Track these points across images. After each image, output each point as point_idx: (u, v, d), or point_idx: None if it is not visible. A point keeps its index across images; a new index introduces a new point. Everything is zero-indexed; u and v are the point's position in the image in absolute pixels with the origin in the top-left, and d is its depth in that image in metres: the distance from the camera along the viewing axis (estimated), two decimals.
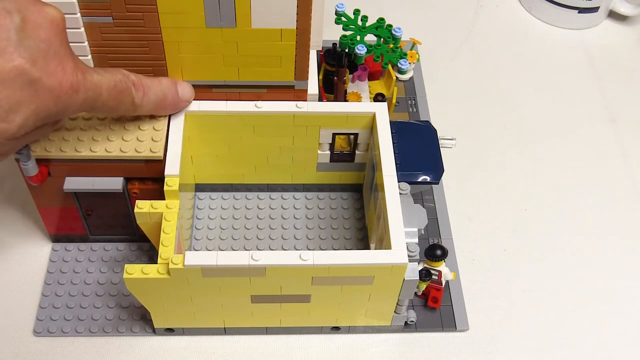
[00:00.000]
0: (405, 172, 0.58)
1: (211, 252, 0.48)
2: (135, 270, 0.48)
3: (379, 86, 0.69)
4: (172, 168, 0.53)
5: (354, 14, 0.66)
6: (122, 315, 0.57)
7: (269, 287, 0.51)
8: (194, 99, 0.56)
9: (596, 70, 0.80)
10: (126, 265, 0.48)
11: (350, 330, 0.57)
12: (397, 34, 0.65)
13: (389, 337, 0.57)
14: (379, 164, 0.55)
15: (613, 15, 0.85)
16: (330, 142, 0.60)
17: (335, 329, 0.57)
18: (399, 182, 0.54)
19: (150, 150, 0.52)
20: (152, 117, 0.54)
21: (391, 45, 0.65)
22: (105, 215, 0.58)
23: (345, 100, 0.65)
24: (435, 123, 0.66)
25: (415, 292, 0.56)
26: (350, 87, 0.66)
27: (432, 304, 0.58)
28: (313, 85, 0.58)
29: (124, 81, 0.48)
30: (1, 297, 0.58)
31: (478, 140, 0.72)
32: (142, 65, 0.54)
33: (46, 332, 0.56)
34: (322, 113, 0.57)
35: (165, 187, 0.52)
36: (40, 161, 0.52)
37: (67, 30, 0.51)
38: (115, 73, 0.48)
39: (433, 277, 0.56)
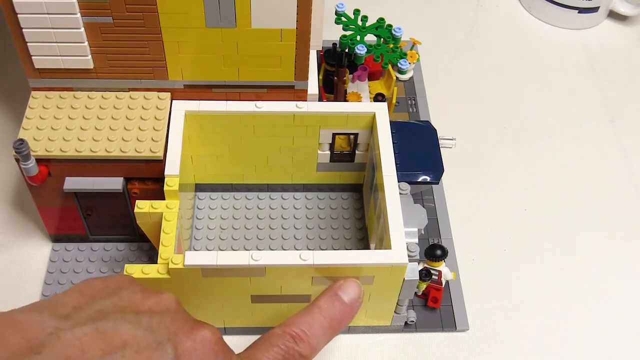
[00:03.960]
0: (405, 172, 0.58)
1: (211, 252, 0.48)
2: (135, 270, 0.48)
3: (379, 86, 0.69)
4: (172, 168, 0.53)
5: (354, 14, 0.66)
6: None
7: (269, 287, 0.51)
8: (194, 99, 0.56)
9: (596, 70, 0.80)
10: (126, 265, 0.48)
11: (350, 330, 0.57)
12: (397, 34, 0.65)
13: (389, 337, 0.57)
14: (379, 164, 0.55)
15: (613, 15, 0.85)
16: (330, 142, 0.60)
17: None
18: (399, 182, 0.54)
19: (150, 150, 0.53)
20: (152, 117, 0.54)
21: (391, 45, 0.65)
22: (105, 215, 0.58)
23: (345, 100, 0.65)
24: (435, 123, 0.66)
25: (415, 292, 0.56)
26: (350, 87, 0.66)
27: (432, 304, 0.58)
28: (313, 85, 0.58)
29: (288, 353, 0.42)
30: (1, 297, 0.58)
31: (478, 140, 0.72)
32: (142, 65, 0.54)
33: None
34: (322, 113, 0.57)
35: (165, 187, 0.52)
36: (40, 161, 0.52)
37: (67, 30, 0.51)
38: (272, 347, 0.42)
39: (433, 277, 0.56)
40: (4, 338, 0.34)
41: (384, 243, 0.52)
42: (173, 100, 0.56)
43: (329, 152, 0.61)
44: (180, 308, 0.41)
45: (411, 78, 0.75)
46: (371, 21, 0.66)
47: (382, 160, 0.54)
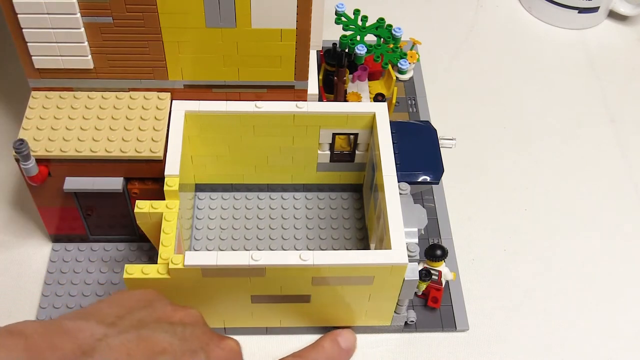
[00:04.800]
0: (405, 172, 0.58)
1: (211, 252, 0.48)
2: (135, 271, 0.48)
3: (379, 86, 0.69)
4: (172, 168, 0.53)
5: (354, 14, 0.66)
6: None
7: (269, 287, 0.51)
8: (194, 99, 0.56)
9: (596, 70, 0.80)
10: (126, 266, 0.48)
11: None
12: (397, 34, 0.65)
13: (389, 337, 0.57)
14: (379, 164, 0.55)
15: (613, 15, 0.85)
16: (330, 142, 0.60)
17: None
18: (399, 182, 0.54)
19: (150, 150, 0.53)
20: (152, 117, 0.54)
21: (391, 45, 0.65)
22: (105, 215, 0.58)
23: (345, 100, 0.65)
24: (435, 123, 0.66)
25: (415, 292, 0.56)
26: (350, 87, 0.66)
27: (432, 304, 0.58)
28: (313, 85, 0.59)
29: None
30: (1, 297, 0.58)
31: (478, 140, 0.72)
32: (142, 65, 0.54)
33: None
34: (322, 113, 0.57)
35: (165, 187, 0.52)
36: (40, 161, 0.52)
37: (67, 30, 0.51)
38: None
39: (433, 277, 0.56)
40: (57, 344, 0.37)
41: (384, 243, 0.52)
42: (173, 100, 0.56)
43: (329, 152, 0.61)
44: (205, 322, 0.44)
45: (411, 78, 0.75)
46: (371, 21, 0.66)
47: (382, 160, 0.54)
